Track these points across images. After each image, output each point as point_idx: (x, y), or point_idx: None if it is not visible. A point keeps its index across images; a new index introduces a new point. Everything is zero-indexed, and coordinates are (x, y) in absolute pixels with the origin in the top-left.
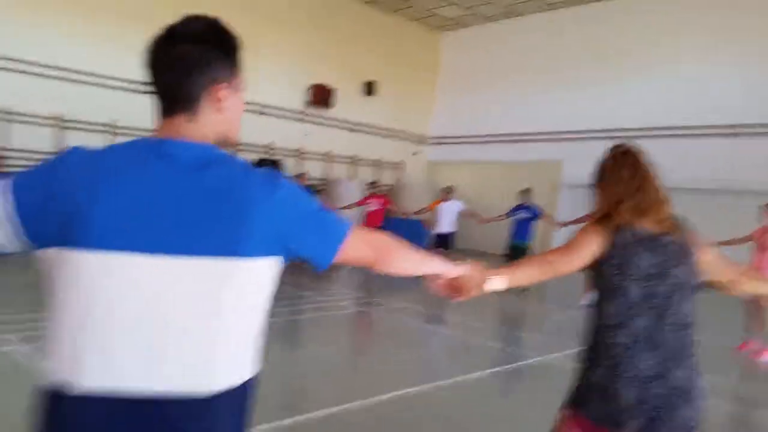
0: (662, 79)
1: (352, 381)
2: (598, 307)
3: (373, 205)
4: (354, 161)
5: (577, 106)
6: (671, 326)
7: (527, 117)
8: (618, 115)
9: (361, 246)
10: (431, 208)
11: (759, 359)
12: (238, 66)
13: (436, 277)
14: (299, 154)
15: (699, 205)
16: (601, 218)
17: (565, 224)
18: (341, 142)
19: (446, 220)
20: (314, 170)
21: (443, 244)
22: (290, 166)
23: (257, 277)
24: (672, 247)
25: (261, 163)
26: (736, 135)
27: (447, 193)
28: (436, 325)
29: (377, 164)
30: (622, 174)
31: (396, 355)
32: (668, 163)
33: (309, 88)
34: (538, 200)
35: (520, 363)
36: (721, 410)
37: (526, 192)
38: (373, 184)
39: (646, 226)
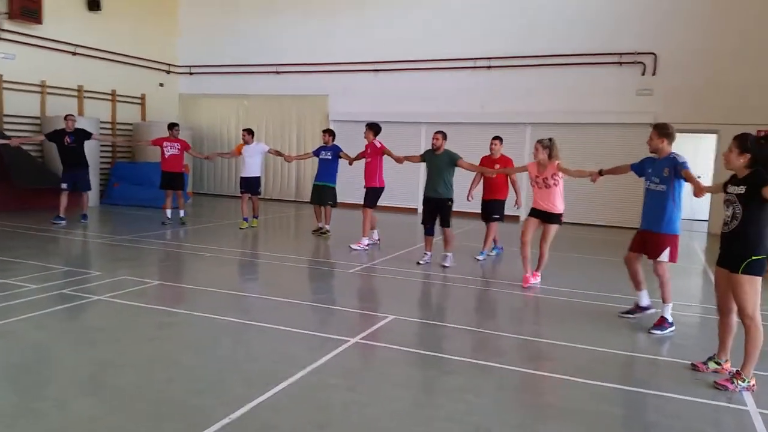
0: (422, 13)
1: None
2: None
3: (171, 149)
4: (80, 93)
5: (340, 38)
6: None
7: (289, 48)
8: (382, 50)
9: None
10: (237, 152)
11: (527, 285)
12: None
13: None
14: None
15: (460, 137)
16: None
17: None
18: (60, 69)
19: (252, 163)
20: (24, 105)
21: (250, 189)
22: None
23: None
24: None
25: None
26: (489, 68)
27: (249, 135)
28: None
29: (113, 97)
30: None
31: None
32: (428, 95)
33: None
34: (307, 136)
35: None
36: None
37: (328, 131)
38: (173, 126)
39: None
